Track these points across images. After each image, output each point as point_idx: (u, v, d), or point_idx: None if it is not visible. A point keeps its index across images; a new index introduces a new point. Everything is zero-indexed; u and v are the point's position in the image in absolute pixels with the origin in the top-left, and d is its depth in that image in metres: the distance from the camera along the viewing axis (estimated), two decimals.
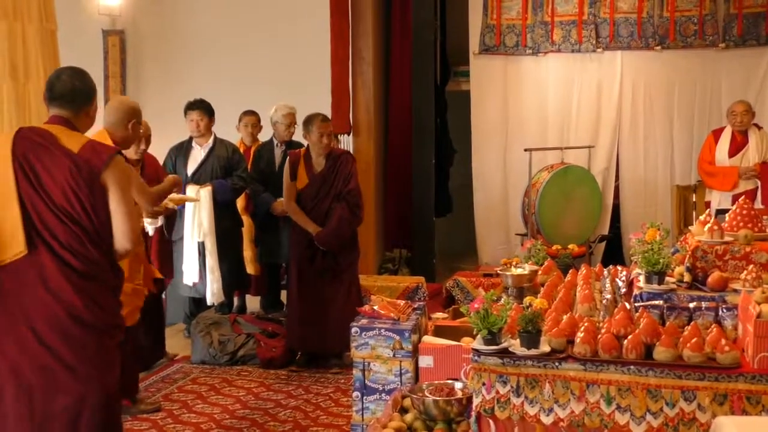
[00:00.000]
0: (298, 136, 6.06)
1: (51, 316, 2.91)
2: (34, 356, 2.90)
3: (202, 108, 6.03)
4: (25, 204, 2.90)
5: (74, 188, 2.91)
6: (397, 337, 3.87)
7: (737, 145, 6.82)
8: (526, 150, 7.33)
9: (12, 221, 2.89)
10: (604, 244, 7.89)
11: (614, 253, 7.85)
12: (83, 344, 2.94)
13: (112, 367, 3.05)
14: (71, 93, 3.08)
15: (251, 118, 6.68)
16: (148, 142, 5.03)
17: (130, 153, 4.72)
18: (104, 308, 3.01)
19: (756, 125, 6.89)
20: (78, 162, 2.92)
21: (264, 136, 6.69)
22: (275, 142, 6.25)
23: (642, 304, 3.29)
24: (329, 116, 7.21)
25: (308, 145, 5.52)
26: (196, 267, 5.75)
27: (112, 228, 2.98)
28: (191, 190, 5.76)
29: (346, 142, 7.62)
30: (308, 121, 5.44)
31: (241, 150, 6.39)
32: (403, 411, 3.43)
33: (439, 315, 4.64)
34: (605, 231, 7.91)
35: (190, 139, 6.11)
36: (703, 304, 3.19)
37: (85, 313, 2.93)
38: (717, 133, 6.97)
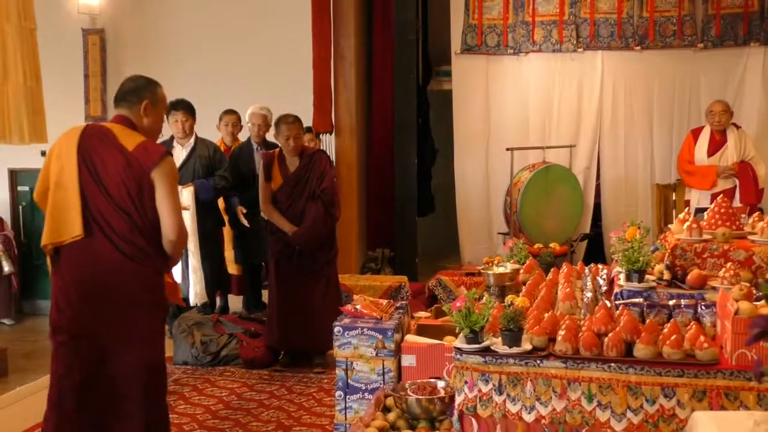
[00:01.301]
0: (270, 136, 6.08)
1: (103, 293, 3.24)
2: (88, 326, 3.25)
3: (187, 108, 6.00)
4: (85, 193, 3.24)
5: (126, 183, 3.23)
6: (380, 337, 3.88)
7: (716, 145, 6.88)
8: (507, 149, 7.36)
9: (72, 206, 3.24)
10: (585, 242, 7.94)
11: (596, 251, 7.90)
12: (129, 319, 3.27)
13: (153, 341, 3.37)
14: (123, 93, 3.41)
15: (232, 117, 6.66)
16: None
17: None
18: (147, 288, 3.32)
19: (734, 125, 6.96)
20: (130, 160, 3.25)
21: (244, 136, 6.68)
22: (254, 144, 6.23)
23: (622, 301, 3.32)
24: (312, 116, 7.25)
25: None
26: (179, 267, 5.72)
27: (157, 220, 3.28)
28: None
29: (329, 142, 7.62)
30: (277, 122, 5.44)
31: (222, 149, 6.36)
32: (386, 410, 3.44)
33: (422, 314, 4.65)
34: (587, 230, 7.96)
35: (171, 138, 6.08)
36: (683, 302, 3.23)
37: (130, 291, 3.27)
38: (696, 133, 7.04)
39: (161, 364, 3.43)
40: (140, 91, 3.39)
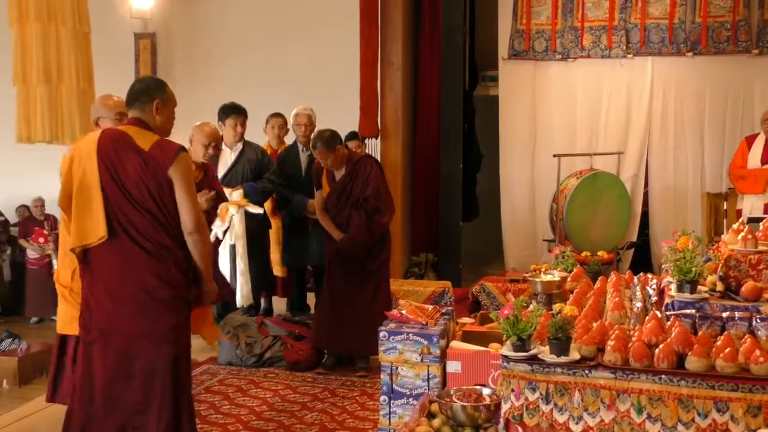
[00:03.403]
0: None
1: (129, 291, 3.36)
2: (116, 324, 3.37)
3: (243, 113, 6.08)
4: (108, 196, 3.34)
5: (145, 182, 3.33)
6: (425, 342, 3.86)
7: None
8: (554, 156, 7.30)
9: (95, 208, 3.34)
10: (632, 251, 7.82)
11: (642, 260, 7.79)
12: (155, 315, 3.38)
13: (176, 336, 3.44)
14: (135, 94, 3.49)
15: (278, 120, 6.70)
16: (218, 148, 5.21)
17: (198, 157, 5.00)
18: (172, 284, 3.40)
19: None
20: (147, 159, 3.35)
21: (290, 138, 6.73)
22: (300, 146, 6.26)
23: (674, 312, 3.25)
24: (358, 120, 7.27)
25: None
26: (227, 269, 5.78)
27: (178, 216, 3.37)
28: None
29: (374, 146, 7.64)
30: (312, 140, 5.44)
31: (268, 153, 6.41)
32: (431, 416, 3.42)
33: (466, 320, 4.62)
34: (634, 238, 7.85)
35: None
36: (737, 314, 3.14)
37: (156, 288, 3.36)
38: (750, 140, 6.90)
39: (185, 356, 3.52)
40: (151, 92, 3.47)
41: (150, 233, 3.34)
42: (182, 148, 3.43)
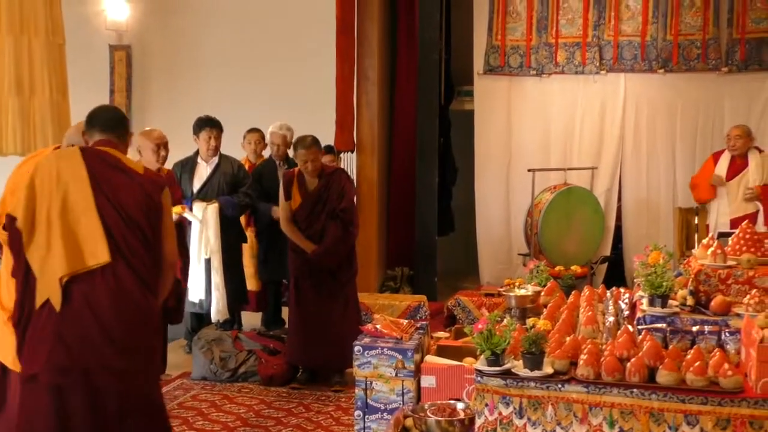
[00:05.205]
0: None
1: (122, 315, 3.16)
2: (107, 359, 3.13)
3: (220, 127, 6.06)
4: (105, 218, 3.17)
5: (141, 204, 3.25)
6: (400, 357, 3.87)
7: (736, 168, 6.84)
8: (529, 170, 7.36)
9: (90, 231, 3.14)
10: (605, 265, 7.90)
11: (616, 274, 7.86)
12: (147, 341, 3.28)
13: (158, 352, 3.51)
14: (113, 121, 3.40)
15: (255, 135, 6.70)
16: (167, 149, 5.10)
17: (152, 163, 4.89)
18: (156, 308, 3.33)
19: (757, 148, 6.92)
20: (144, 182, 3.30)
21: (268, 152, 6.72)
22: (277, 162, 6.27)
23: (645, 327, 3.30)
24: (334, 134, 7.28)
25: None
26: (203, 284, 5.75)
27: (159, 242, 3.33)
28: (198, 207, 5.76)
29: (350, 160, 7.65)
30: (295, 144, 5.44)
31: (246, 167, 6.41)
32: (405, 431, 3.43)
33: (441, 334, 4.64)
34: (607, 252, 7.92)
35: (196, 154, 6.13)
36: (706, 328, 3.20)
37: (147, 309, 3.25)
38: (717, 156, 7.01)
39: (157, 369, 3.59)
40: (126, 124, 3.51)
41: (143, 255, 3.22)
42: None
